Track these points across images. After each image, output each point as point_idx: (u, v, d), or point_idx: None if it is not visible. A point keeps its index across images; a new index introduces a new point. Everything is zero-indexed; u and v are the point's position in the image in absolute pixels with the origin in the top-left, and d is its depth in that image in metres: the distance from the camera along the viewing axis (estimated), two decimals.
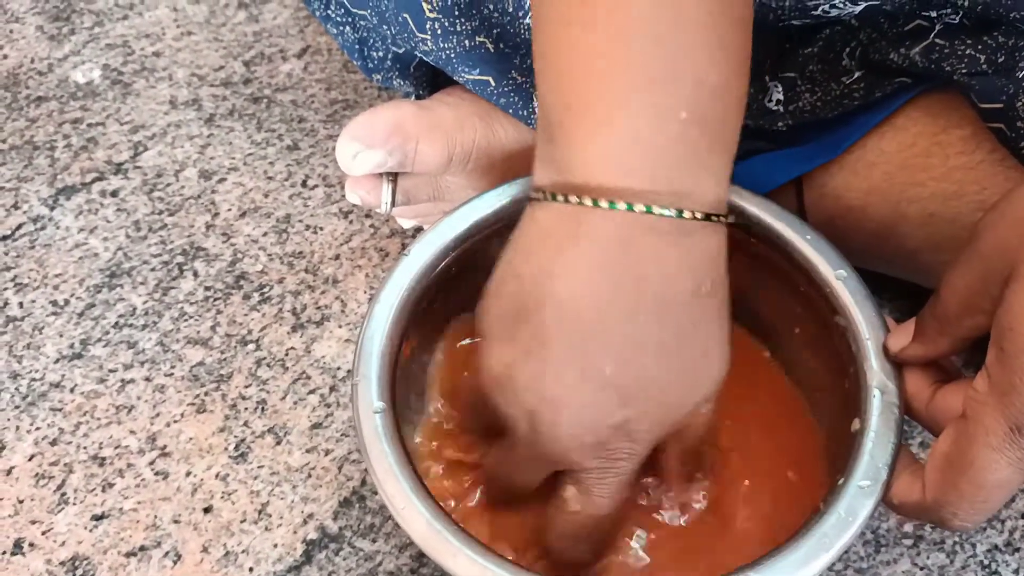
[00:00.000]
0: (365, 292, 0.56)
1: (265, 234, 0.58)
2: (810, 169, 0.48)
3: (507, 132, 0.50)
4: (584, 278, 0.34)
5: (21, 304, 0.56)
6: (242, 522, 0.47)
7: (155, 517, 0.47)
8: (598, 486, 0.36)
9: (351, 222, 0.59)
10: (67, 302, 0.56)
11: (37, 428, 0.51)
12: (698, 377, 0.36)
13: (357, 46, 0.56)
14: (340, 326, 0.54)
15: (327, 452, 0.49)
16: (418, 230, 0.57)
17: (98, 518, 0.47)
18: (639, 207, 0.34)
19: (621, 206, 0.34)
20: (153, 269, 0.57)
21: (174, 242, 0.58)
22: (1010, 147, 0.42)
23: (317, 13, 0.57)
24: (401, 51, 0.52)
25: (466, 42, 0.47)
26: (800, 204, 0.49)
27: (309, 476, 0.49)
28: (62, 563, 0.46)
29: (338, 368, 0.52)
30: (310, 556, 0.46)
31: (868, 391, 0.38)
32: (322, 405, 0.51)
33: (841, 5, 0.43)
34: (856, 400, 0.38)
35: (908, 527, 0.46)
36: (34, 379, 0.52)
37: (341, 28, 0.56)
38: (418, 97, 0.56)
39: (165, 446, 0.50)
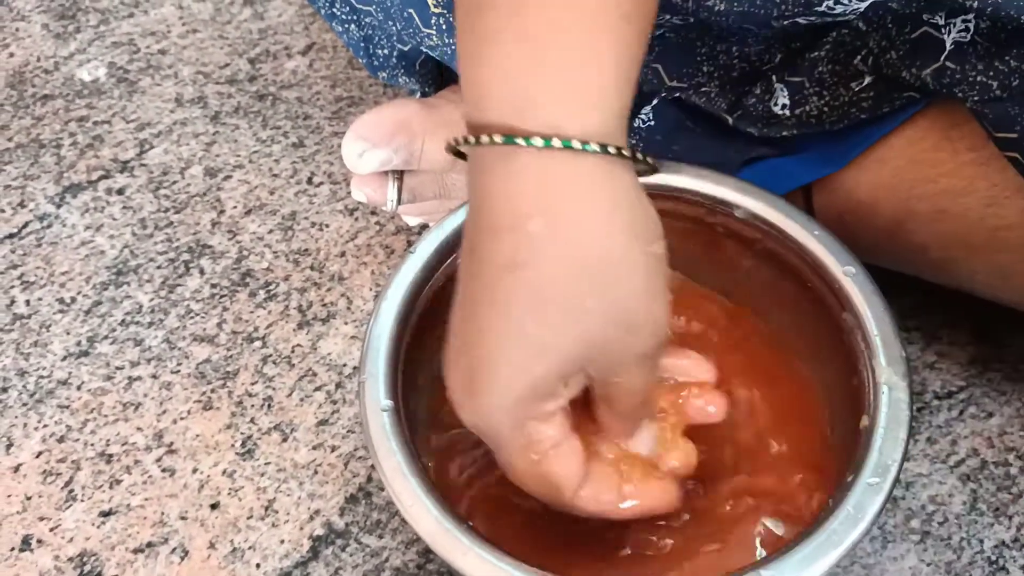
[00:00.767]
0: (371, 289, 0.56)
1: (271, 231, 0.58)
2: (815, 179, 0.48)
3: None
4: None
5: (28, 302, 0.56)
6: (249, 518, 0.47)
7: (162, 513, 0.47)
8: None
9: (357, 219, 0.59)
10: (74, 300, 0.56)
11: (45, 425, 0.51)
12: (588, 326, 0.32)
13: (362, 44, 0.56)
14: (346, 323, 0.54)
15: (333, 448, 0.49)
16: (424, 227, 0.57)
17: (106, 514, 0.47)
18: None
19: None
20: (159, 267, 0.57)
21: (180, 240, 0.58)
22: None
23: (322, 11, 0.57)
24: (407, 48, 0.52)
25: None
26: (808, 200, 0.49)
27: (315, 472, 0.49)
28: (70, 559, 0.46)
29: (344, 365, 0.52)
30: (317, 552, 0.46)
31: (877, 388, 0.38)
32: (328, 402, 0.51)
33: (846, 1, 0.42)
34: (865, 397, 0.38)
35: (915, 523, 0.46)
36: (41, 376, 0.52)
37: (346, 26, 0.56)
38: (424, 94, 0.56)
39: (172, 443, 0.50)
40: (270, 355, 0.53)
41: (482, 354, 0.32)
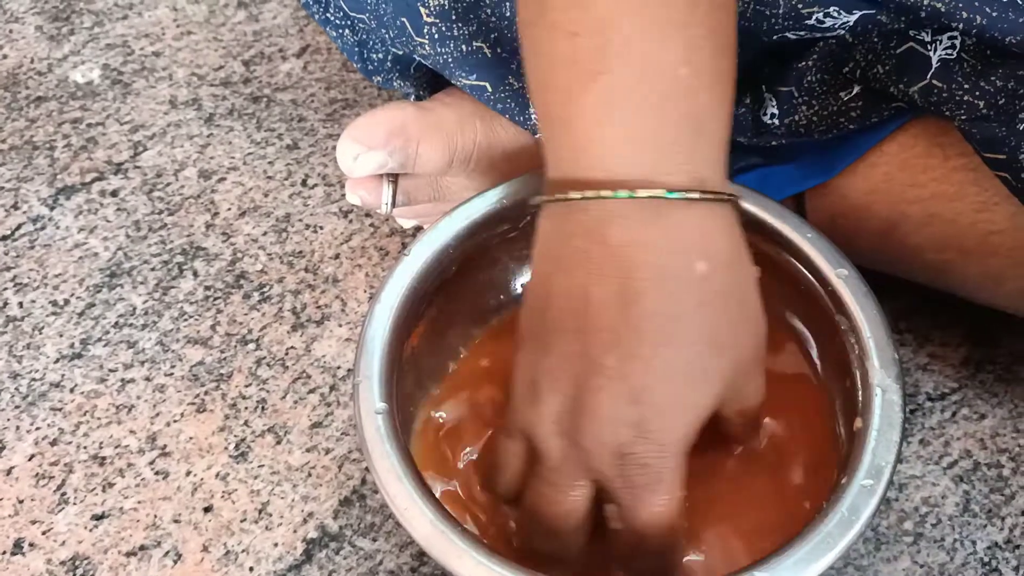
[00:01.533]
0: (365, 291, 0.56)
1: (265, 233, 0.58)
2: (804, 189, 0.48)
3: (508, 132, 0.50)
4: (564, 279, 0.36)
5: (21, 304, 0.55)
6: (242, 521, 0.47)
7: (155, 517, 0.47)
8: (631, 498, 0.35)
9: (351, 221, 0.59)
10: (67, 302, 0.56)
11: (37, 428, 0.50)
12: (707, 368, 0.35)
13: (357, 48, 0.56)
14: (340, 325, 0.54)
15: (327, 451, 0.49)
16: (418, 229, 0.57)
17: (98, 518, 0.47)
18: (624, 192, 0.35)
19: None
20: (153, 269, 0.57)
21: (174, 242, 0.58)
22: (1019, 196, 0.41)
23: (316, 16, 0.57)
24: (401, 52, 0.52)
25: (463, 47, 0.47)
26: (801, 203, 0.49)
27: (309, 475, 0.49)
28: (62, 563, 0.46)
29: (338, 367, 0.52)
30: (310, 555, 0.46)
31: (870, 390, 0.38)
32: (322, 404, 0.51)
33: (836, 14, 0.42)
34: (858, 399, 0.38)
35: (908, 524, 0.46)
36: (34, 379, 0.52)
37: (340, 31, 0.56)
38: (418, 98, 0.56)
39: (165, 446, 0.50)
40: (264, 357, 0.53)
41: (668, 392, 0.35)
